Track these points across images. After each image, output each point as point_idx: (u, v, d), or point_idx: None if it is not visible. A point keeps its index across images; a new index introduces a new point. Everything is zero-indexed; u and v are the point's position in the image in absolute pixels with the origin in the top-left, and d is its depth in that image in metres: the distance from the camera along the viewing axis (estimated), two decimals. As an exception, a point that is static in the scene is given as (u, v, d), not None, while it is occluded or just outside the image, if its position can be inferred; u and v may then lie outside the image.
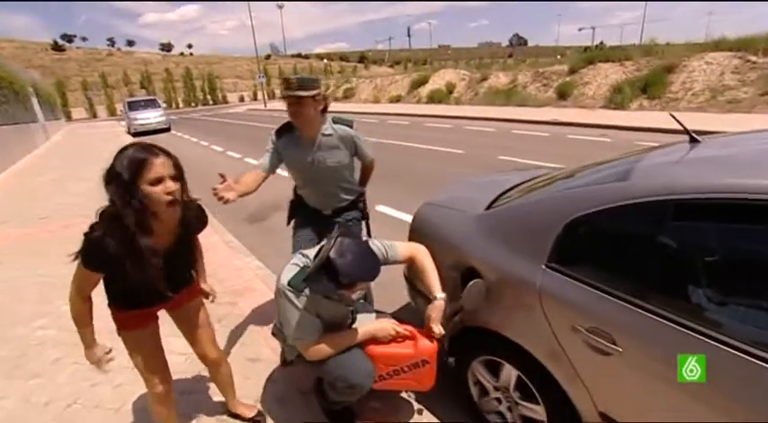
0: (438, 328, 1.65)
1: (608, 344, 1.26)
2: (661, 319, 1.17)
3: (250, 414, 1.89)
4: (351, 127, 2.23)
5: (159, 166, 1.25)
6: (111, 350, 1.48)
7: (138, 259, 1.29)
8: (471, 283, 1.61)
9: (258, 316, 2.75)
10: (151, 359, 1.53)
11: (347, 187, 2.37)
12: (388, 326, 1.68)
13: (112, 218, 1.26)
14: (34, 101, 17.41)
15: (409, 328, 1.71)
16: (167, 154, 1.30)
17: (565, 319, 1.38)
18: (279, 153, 2.21)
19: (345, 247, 1.40)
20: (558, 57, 26.91)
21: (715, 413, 1.09)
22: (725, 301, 1.15)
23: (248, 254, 3.80)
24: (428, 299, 1.90)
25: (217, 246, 3.95)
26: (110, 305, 1.48)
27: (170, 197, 1.26)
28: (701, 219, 1.18)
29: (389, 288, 2.52)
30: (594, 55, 16.63)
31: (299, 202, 2.44)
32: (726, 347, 1.05)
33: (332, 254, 1.38)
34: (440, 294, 1.67)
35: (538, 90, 16.67)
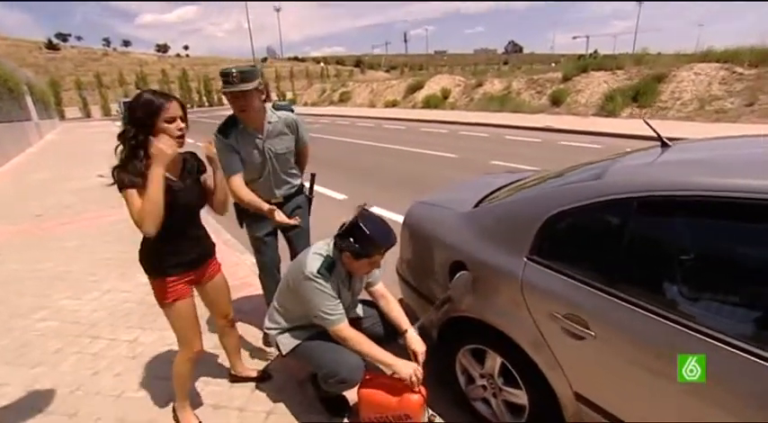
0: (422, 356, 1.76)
1: (582, 329, 1.37)
2: (629, 305, 1.28)
3: (255, 374, 2.15)
4: (292, 111, 2.25)
5: (173, 108, 1.53)
6: None
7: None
8: (458, 275, 1.72)
9: (254, 310, 2.83)
10: (193, 325, 1.76)
11: (294, 173, 2.38)
12: (411, 370, 1.67)
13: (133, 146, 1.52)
14: (28, 99, 17.35)
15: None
16: (177, 99, 1.59)
17: (544, 307, 1.49)
18: (234, 149, 2.16)
19: (369, 218, 1.66)
20: (553, 64, 27.26)
21: (677, 391, 1.19)
22: (685, 288, 1.27)
23: (243, 251, 3.90)
24: (424, 297, 2.08)
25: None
26: (153, 276, 1.67)
27: (180, 132, 1.57)
28: (663, 214, 1.31)
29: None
30: (587, 63, 16.97)
31: None
32: (687, 330, 1.17)
33: (360, 221, 1.62)
34: (411, 329, 1.81)
35: (532, 97, 16.94)
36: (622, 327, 1.30)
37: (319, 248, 1.78)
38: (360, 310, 1.99)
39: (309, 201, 2.53)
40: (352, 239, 1.63)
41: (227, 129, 2.17)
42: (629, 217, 1.32)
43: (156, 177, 1.45)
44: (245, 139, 2.17)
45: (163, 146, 1.47)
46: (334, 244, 1.71)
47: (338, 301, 1.72)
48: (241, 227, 2.43)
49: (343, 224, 1.69)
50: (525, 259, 1.57)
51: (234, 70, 1.96)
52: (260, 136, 2.17)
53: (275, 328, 1.90)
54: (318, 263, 1.71)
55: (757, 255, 1.21)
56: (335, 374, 1.71)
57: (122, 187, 1.48)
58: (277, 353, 2.29)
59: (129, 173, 1.49)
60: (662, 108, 12.42)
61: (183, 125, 1.57)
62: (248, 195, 2.16)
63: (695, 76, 12.42)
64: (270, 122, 2.17)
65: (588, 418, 1.47)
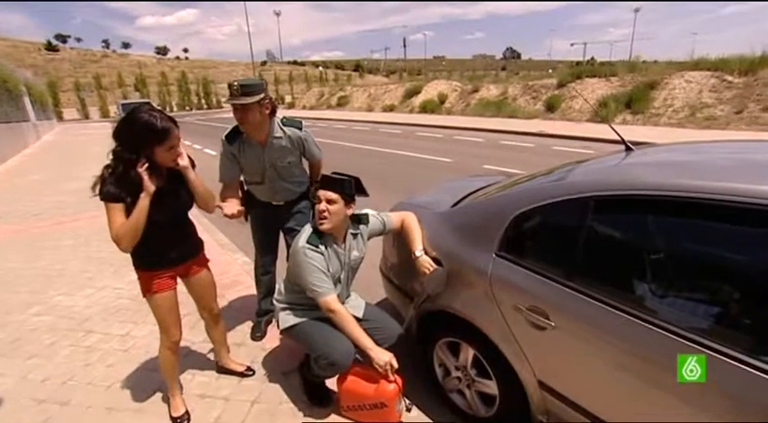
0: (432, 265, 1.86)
1: (543, 319, 1.47)
2: (584, 297, 1.38)
3: (240, 369, 2.22)
4: (300, 129, 2.31)
5: (174, 136, 1.61)
6: None
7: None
8: (432, 269, 1.82)
9: (243, 306, 2.92)
10: (171, 315, 1.85)
11: (297, 181, 2.45)
12: (387, 358, 1.72)
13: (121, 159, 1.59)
14: (26, 100, 17.40)
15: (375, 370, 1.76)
16: (175, 123, 1.65)
17: (510, 300, 1.59)
18: (235, 158, 2.29)
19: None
20: (550, 71, 27.55)
21: (630, 377, 1.28)
22: (637, 281, 1.36)
23: (236, 250, 3.99)
24: (405, 294, 2.19)
25: (208, 243, 4.10)
26: (139, 269, 1.77)
27: (175, 159, 1.67)
28: (616, 211, 1.41)
29: (372, 286, 2.71)
30: (582, 70, 17.14)
31: (249, 197, 2.47)
32: (638, 320, 1.26)
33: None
34: (418, 252, 1.91)
35: (527, 102, 17.11)
36: (579, 317, 1.40)
37: (308, 226, 1.89)
38: (361, 310, 2.03)
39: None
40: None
41: (232, 135, 2.27)
42: (586, 215, 1.42)
43: (143, 208, 1.58)
44: (247, 149, 2.27)
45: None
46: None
47: (327, 274, 1.79)
48: (246, 220, 2.53)
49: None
50: (494, 255, 1.67)
51: (236, 83, 2.03)
52: (261, 148, 2.26)
53: (280, 302, 2.00)
54: (308, 233, 1.83)
55: (707, 251, 1.31)
56: (327, 357, 1.79)
57: (107, 199, 1.57)
58: (262, 350, 2.42)
59: (116, 187, 1.57)
60: (654, 114, 12.59)
61: (180, 151, 1.67)
62: (223, 194, 2.32)
63: (686, 83, 12.61)
64: (274, 137, 2.25)
65: (552, 406, 1.57)
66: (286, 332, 1.96)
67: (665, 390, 1.20)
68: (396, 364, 1.76)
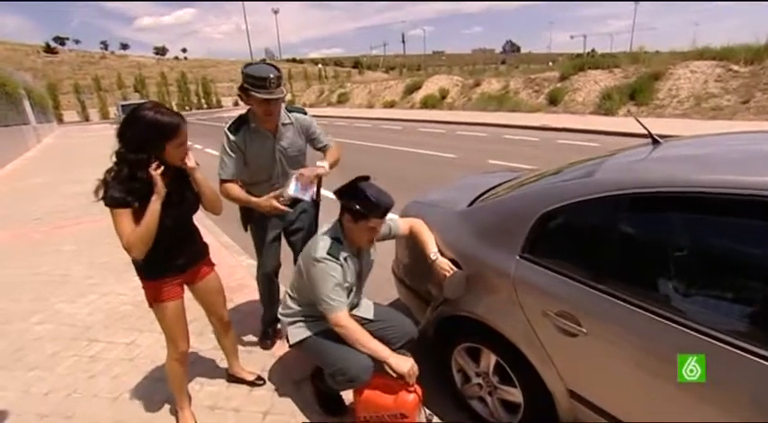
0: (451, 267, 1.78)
1: (574, 326, 1.38)
2: (621, 302, 1.28)
3: (251, 378, 2.14)
4: (305, 113, 2.24)
5: (184, 132, 1.53)
6: None
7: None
8: (452, 273, 1.72)
9: (252, 311, 2.83)
10: (178, 325, 1.77)
11: None
12: (408, 367, 1.63)
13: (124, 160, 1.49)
14: (26, 103, 17.34)
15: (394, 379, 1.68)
16: (183, 118, 1.56)
17: (536, 305, 1.50)
18: (241, 151, 2.11)
19: (368, 185, 1.70)
20: (550, 63, 27.28)
21: (672, 388, 1.19)
22: (676, 284, 1.27)
23: (241, 252, 3.90)
24: (420, 296, 2.11)
25: (212, 246, 4.02)
26: (145, 278, 1.68)
27: (185, 156, 1.58)
28: (653, 210, 1.31)
29: (384, 286, 2.62)
30: (584, 62, 16.96)
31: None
32: (677, 326, 1.17)
33: (359, 183, 1.69)
34: (433, 255, 1.84)
35: (529, 96, 16.95)
36: (614, 323, 1.30)
37: (326, 230, 1.81)
38: (371, 311, 1.96)
39: (317, 205, 2.45)
40: (355, 202, 1.65)
41: (236, 127, 2.12)
42: (620, 214, 1.33)
43: (155, 212, 1.48)
44: (254, 139, 2.12)
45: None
46: (340, 199, 1.71)
47: (343, 287, 1.71)
48: (246, 231, 2.40)
49: (342, 186, 1.71)
50: (518, 257, 1.57)
51: (272, 75, 1.89)
52: (272, 137, 2.14)
53: (287, 315, 1.90)
54: (327, 243, 1.73)
55: (747, 250, 1.21)
56: (344, 373, 1.70)
57: (113, 205, 1.47)
58: (272, 357, 2.33)
59: (120, 191, 1.46)
60: (659, 106, 12.43)
61: (188, 149, 1.58)
62: (240, 193, 2.13)
63: (691, 73, 12.44)
64: (283, 124, 2.14)
65: (582, 416, 1.48)
66: (297, 346, 1.87)
67: (711, 399, 1.11)
68: (416, 371, 1.66)
